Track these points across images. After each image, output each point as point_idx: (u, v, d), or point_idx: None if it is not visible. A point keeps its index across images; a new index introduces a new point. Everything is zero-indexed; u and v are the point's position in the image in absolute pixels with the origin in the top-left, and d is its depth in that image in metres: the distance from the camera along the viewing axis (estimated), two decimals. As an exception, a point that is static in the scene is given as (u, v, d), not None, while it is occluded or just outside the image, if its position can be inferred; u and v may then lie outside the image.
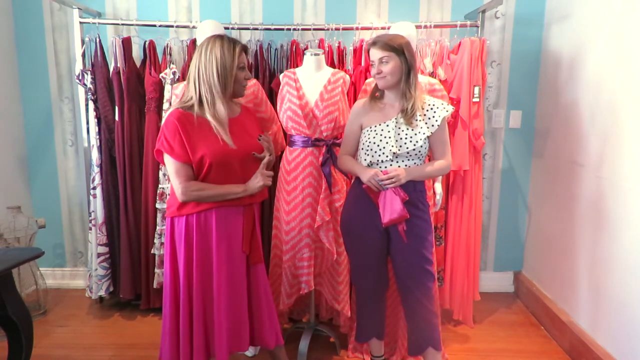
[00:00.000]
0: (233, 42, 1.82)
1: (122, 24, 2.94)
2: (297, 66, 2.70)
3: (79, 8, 2.85)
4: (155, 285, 2.80)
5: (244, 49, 1.86)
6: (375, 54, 1.92)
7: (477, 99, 2.67)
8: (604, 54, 2.37)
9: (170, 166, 1.78)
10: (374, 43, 1.94)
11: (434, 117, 1.95)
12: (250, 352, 2.47)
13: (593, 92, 2.46)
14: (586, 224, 2.49)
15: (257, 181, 1.85)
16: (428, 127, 1.94)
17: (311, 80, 2.34)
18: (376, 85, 2.01)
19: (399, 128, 1.95)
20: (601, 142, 2.37)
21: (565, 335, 2.57)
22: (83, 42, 2.86)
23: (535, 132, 3.16)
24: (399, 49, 1.90)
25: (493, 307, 3.11)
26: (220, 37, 1.82)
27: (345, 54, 2.84)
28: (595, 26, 2.47)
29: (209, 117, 1.77)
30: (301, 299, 2.63)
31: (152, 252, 2.79)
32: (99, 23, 2.87)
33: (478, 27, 2.81)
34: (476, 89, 2.66)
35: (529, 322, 2.92)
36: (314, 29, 2.85)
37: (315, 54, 2.36)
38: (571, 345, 2.51)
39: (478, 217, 2.81)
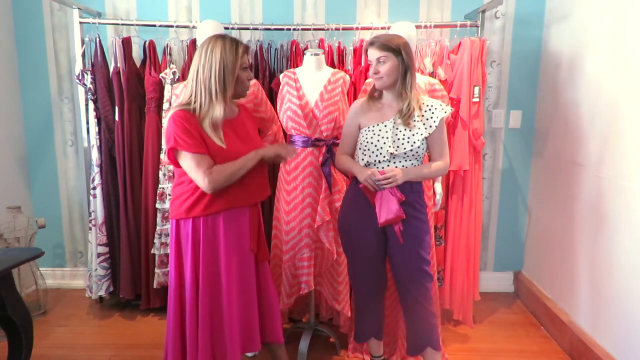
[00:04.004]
0: (235, 42, 1.78)
1: (122, 24, 2.94)
2: (297, 66, 2.70)
3: (79, 8, 2.85)
4: (155, 285, 2.80)
5: (247, 49, 1.82)
6: (373, 54, 1.92)
7: (477, 99, 2.66)
8: (604, 54, 2.37)
9: (189, 162, 1.71)
10: (371, 43, 1.93)
11: (432, 117, 1.95)
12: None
13: (593, 92, 2.46)
14: (586, 224, 2.48)
15: (274, 149, 1.87)
16: (426, 128, 1.94)
17: (311, 80, 2.34)
18: (374, 85, 2.01)
19: (397, 128, 1.94)
20: (601, 142, 2.37)
21: (565, 335, 2.57)
22: (83, 42, 2.86)
23: (535, 132, 3.16)
24: (397, 50, 1.89)
25: (493, 307, 3.11)
26: (222, 37, 1.77)
27: (345, 54, 2.84)
28: (595, 26, 2.46)
29: (204, 120, 1.72)
30: (301, 299, 2.63)
31: (152, 252, 2.79)
32: (99, 23, 2.87)
33: (478, 27, 2.81)
34: (476, 89, 2.65)
35: (529, 322, 2.92)
36: (314, 29, 2.85)
37: (315, 54, 2.36)
38: (571, 345, 2.51)
39: (478, 217, 2.80)
